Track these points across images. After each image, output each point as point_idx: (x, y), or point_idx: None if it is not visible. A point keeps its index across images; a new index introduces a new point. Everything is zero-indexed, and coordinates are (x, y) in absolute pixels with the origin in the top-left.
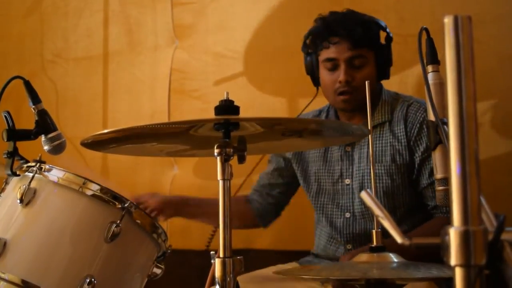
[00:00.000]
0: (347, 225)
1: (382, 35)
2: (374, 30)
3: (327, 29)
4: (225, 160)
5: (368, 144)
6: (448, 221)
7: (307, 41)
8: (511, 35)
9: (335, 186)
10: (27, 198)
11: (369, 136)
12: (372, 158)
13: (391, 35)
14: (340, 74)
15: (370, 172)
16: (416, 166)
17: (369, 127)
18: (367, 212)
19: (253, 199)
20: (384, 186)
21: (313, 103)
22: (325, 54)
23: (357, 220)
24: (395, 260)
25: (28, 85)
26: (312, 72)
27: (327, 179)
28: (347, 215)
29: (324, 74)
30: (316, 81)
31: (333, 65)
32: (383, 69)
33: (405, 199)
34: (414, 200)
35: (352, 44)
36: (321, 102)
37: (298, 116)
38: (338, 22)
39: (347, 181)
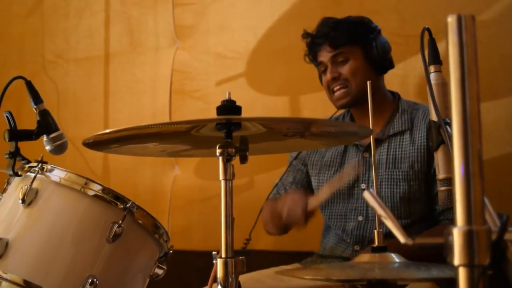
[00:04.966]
0: (359, 227)
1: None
2: (353, 28)
3: (313, 42)
4: (227, 160)
5: (387, 150)
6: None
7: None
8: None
9: (350, 190)
10: (29, 199)
11: (371, 136)
12: (374, 160)
13: (378, 28)
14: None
15: (386, 178)
16: (433, 172)
17: (370, 126)
18: None
19: None
20: (401, 191)
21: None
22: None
23: (369, 223)
24: (397, 260)
25: (29, 85)
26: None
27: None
28: (360, 218)
29: (321, 78)
30: None
31: (324, 68)
32: (375, 61)
33: (421, 205)
34: (429, 207)
35: (330, 45)
36: None
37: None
38: (319, 32)
39: (363, 185)
